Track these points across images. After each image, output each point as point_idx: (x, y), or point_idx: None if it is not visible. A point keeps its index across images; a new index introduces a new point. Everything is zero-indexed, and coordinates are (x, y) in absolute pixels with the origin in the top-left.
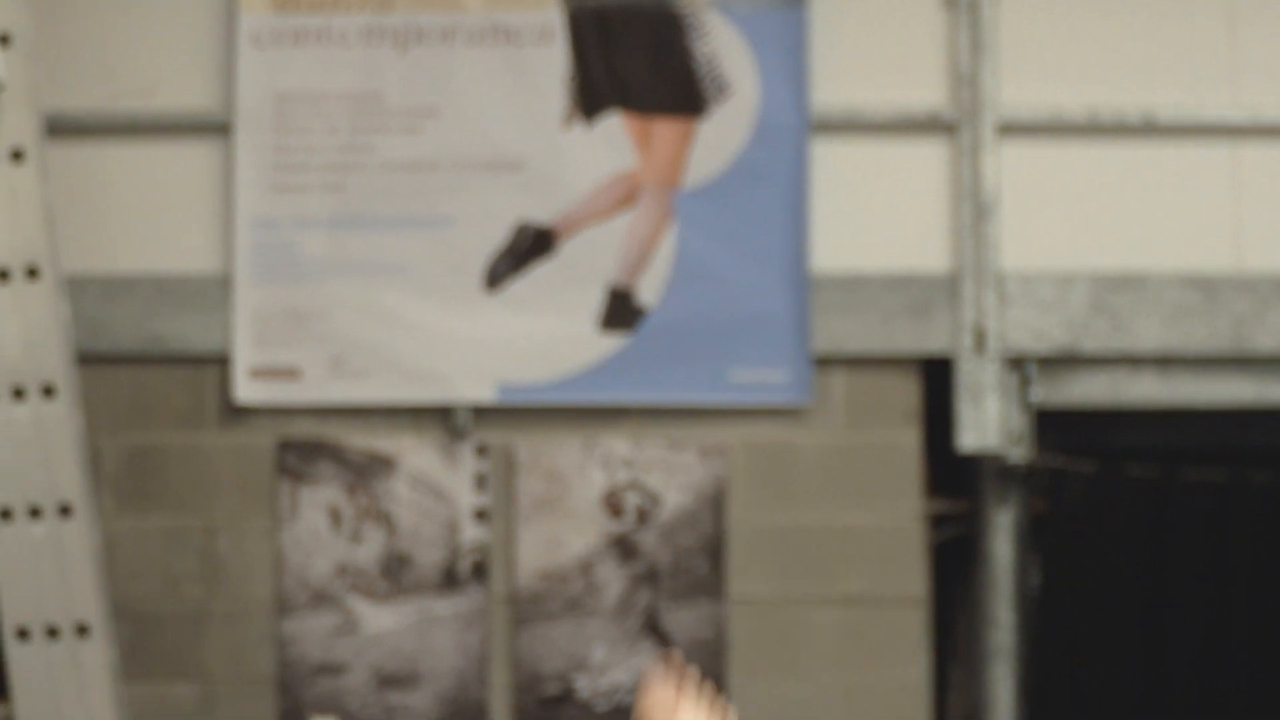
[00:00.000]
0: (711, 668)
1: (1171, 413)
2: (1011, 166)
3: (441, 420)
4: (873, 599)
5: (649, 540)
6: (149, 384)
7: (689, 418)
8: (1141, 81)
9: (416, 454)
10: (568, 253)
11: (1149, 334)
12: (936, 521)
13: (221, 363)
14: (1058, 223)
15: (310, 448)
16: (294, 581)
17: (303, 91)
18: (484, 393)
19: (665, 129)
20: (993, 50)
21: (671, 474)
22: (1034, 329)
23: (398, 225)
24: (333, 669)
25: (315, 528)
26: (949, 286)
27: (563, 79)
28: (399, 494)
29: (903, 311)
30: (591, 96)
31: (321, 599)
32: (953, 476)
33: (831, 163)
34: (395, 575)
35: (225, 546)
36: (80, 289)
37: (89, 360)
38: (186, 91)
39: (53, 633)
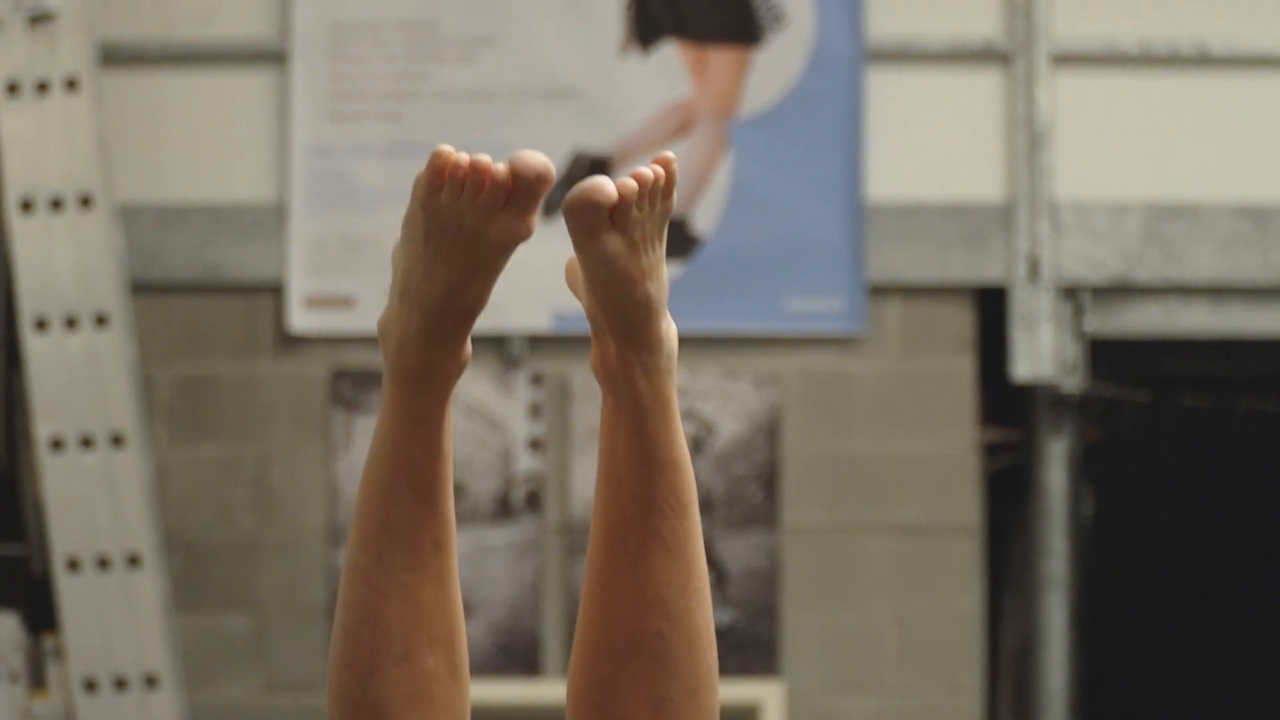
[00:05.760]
0: (765, 596)
1: (1224, 342)
2: (1065, 96)
3: (496, 349)
4: (926, 528)
5: (703, 469)
6: (203, 313)
7: (744, 346)
8: (1195, 13)
9: (471, 383)
10: (628, 171)
11: (1202, 263)
12: (990, 450)
13: (276, 292)
14: (1111, 152)
15: (364, 377)
16: (347, 511)
17: (359, 20)
18: (538, 321)
19: (721, 58)
20: None
21: (726, 402)
22: (1088, 258)
23: None
24: None
25: None
26: (1003, 215)
27: (619, 7)
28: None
29: (957, 240)
30: (648, 25)
31: None
32: (1006, 406)
33: (886, 92)
34: None
35: (279, 476)
36: (134, 218)
37: (143, 289)
38: (242, 20)
39: (104, 563)
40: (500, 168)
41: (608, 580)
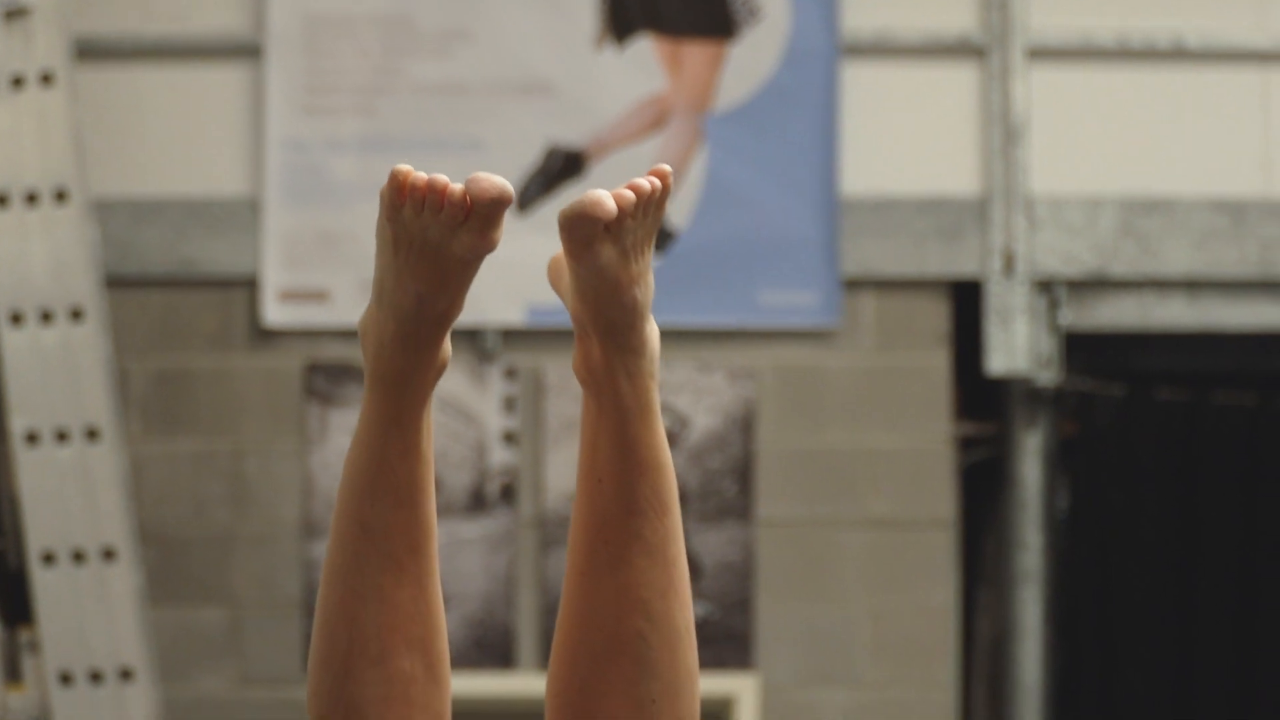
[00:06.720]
0: (739, 590)
1: (1200, 336)
2: (1041, 91)
3: (470, 342)
4: (901, 521)
5: (677, 463)
6: (178, 307)
7: (718, 340)
8: (1171, 6)
9: (445, 377)
10: (598, 175)
11: (1177, 258)
12: (965, 444)
13: (250, 285)
14: (1087, 147)
15: (339, 370)
16: (322, 505)
17: (333, 14)
18: (513, 315)
19: (695, 52)
20: None
21: (700, 396)
22: (1063, 252)
23: (428, 148)
24: None
25: (343, 451)
26: (978, 210)
27: (593, 1)
28: None
29: (932, 234)
30: (622, 19)
31: None
32: (981, 399)
33: (861, 86)
34: None
35: (253, 470)
36: (109, 212)
37: (118, 283)
38: (217, 14)
39: (79, 557)
40: (456, 188)
41: (588, 580)
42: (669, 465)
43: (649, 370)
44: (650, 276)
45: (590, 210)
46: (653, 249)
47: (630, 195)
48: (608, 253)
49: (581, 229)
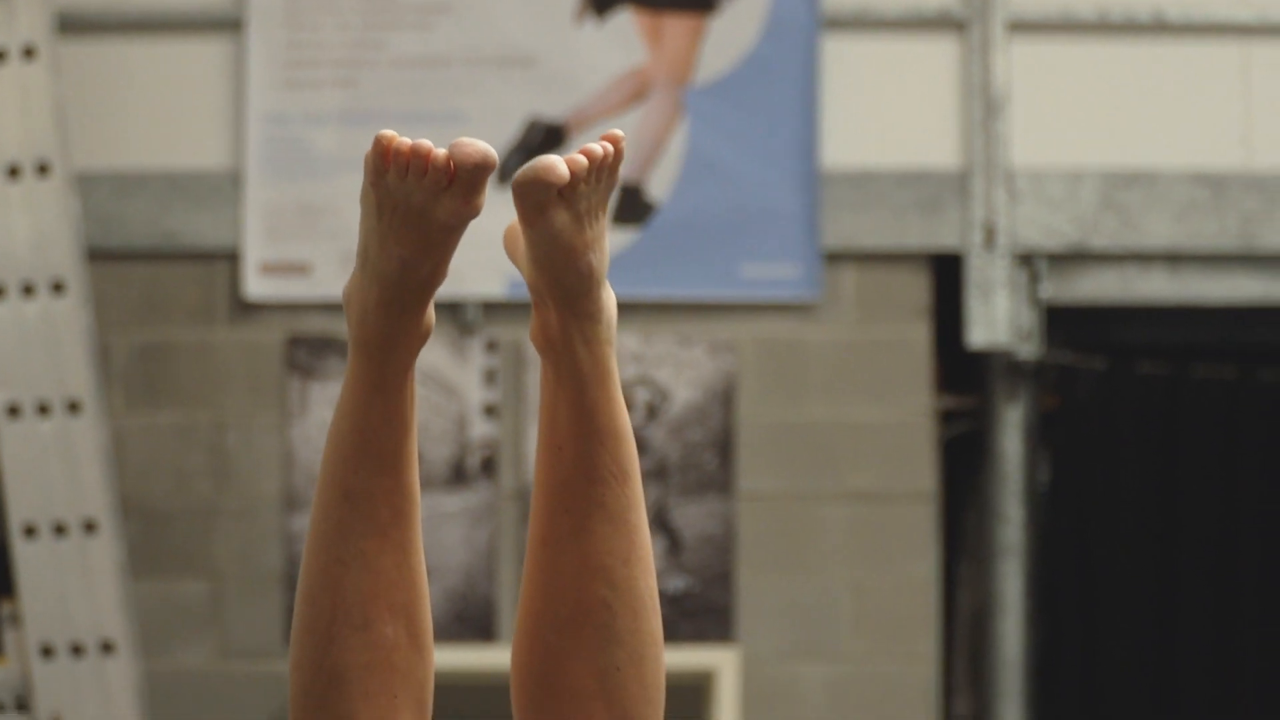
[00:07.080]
0: (720, 563)
1: (1180, 309)
2: (1021, 64)
3: (451, 315)
4: (882, 494)
5: (658, 436)
6: (160, 280)
7: (699, 313)
8: None
9: (425, 349)
10: (578, 148)
11: (1158, 231)
12: (946, 417)
13: (232, 258)
14: (1068, 120)
15: (320, 343)
16: (303, 478)
17: None
18: (494, 288)
19: (676, 25)
20: None
21: (681, 369)
22: (1044, 225)
23: (409, 121)
24: None
25: (325, 424)
26: (959, 183)
27: None
28: None
29: (913, 208)
30: None
31: None
32: (962, 372)
33: (842, 59)
34: None
35: (234, 443)
36: (91, 185)
37: (100, 256)
38: None
39: (60, 530)
40: (440, 153)
41: (550, 549)
42: (628, 432)
43: (606, 337)
44: (605, 243)
45: (543, 175)
46: (607, 215)
47: (583, 160)
48: (561, 218)
49: (535, 194)
